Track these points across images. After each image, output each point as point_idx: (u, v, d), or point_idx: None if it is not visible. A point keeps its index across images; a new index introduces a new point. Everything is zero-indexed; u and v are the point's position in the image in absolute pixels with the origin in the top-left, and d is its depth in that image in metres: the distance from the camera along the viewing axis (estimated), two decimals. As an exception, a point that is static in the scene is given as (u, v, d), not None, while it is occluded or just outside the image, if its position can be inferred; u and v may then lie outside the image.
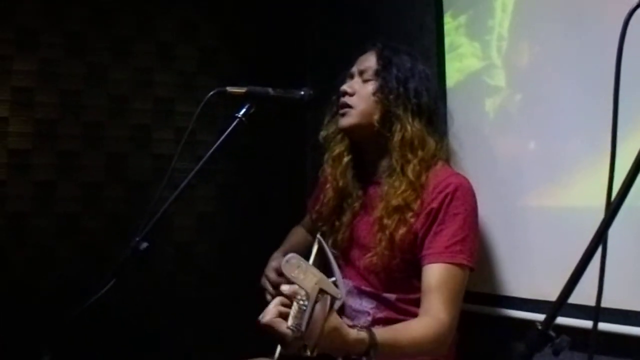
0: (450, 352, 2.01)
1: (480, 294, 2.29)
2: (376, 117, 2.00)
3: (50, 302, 2.57)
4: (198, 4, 3.08)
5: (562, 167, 2.08)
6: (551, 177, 2.11)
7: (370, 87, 2.04)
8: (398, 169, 1.96)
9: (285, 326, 1.43)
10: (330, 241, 2.11)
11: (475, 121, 2.36)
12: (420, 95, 2.03)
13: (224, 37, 3.15)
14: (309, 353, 1.41)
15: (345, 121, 2.05)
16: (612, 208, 1.01)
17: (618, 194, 1.02)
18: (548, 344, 1.02)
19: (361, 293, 2.04)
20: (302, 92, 2.00)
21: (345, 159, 2.14)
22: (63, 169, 2.79)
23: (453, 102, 2.41)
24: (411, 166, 1.95)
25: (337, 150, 2.17)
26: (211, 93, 1.88)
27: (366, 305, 2.03)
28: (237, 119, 1.89)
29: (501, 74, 2.28)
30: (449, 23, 2.52)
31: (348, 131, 2.07)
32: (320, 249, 1.73)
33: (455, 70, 2.48)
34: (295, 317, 1.41)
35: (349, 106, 2.05)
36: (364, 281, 2.03)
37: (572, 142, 2.05)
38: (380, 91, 2.01)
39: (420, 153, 1.96)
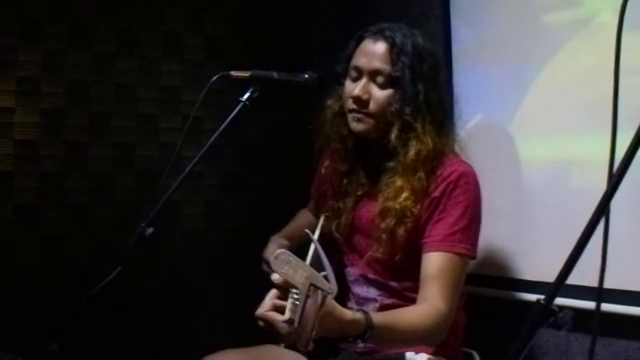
0: (457, 336, 2.04)
1: (487, 276, 2.32)
2: (395, 132, 1.94)
3: (59, 292, 2.59)
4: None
5: (566, 150, 2.11)
6: (556, 160, 2.14)
7: (387, 94, 1.97)
8: (405, 178, 1.94)
9: (281, 319, 1.47)
10: (334, 225, 2.12)
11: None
12: (439, 103, 1.99)
13: (230, 25, 3.15)
14: (302, 348, 1.42)
15: (361, 127, 2.00)
16: (615, 179, 1.02)
17: (619, 166, 1.02)
18: (551, 318, 1.03)
19: (367, 281, 2.06)
20: (306, 76, 2.02)
21: (349, 143, 2.11)
22: (70, 160, 2.81)
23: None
24: (418, 177, 1.93)
25: (341, 127, 2.11)
26: (215, 77, 1.92)
27: (373, 292, 2.05)
28: (241, 103, 1.91)
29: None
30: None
31: (361, 135, 2.03)
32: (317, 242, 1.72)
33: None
34: (291, 310, 1.45)
35: (365, 113, 1.98)
36: (369, 269, 2.05)
37: (576, 126, 2.08)
38: (400, 102, 1.95)
39: (429, 165, 1.94)
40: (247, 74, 1.93)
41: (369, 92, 1.97)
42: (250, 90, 1.92)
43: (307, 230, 1.73)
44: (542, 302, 1.04)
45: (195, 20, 3.09)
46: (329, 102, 2.12)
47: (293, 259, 1.40)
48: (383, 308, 1.98)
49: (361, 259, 2.06)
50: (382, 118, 1.96)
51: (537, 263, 2.20)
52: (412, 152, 1.93)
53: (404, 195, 1.92)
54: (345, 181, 2.14)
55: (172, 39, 3.03)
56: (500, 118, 2.38)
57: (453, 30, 2.58)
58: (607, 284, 1.17)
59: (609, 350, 2.00)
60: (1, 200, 2.69)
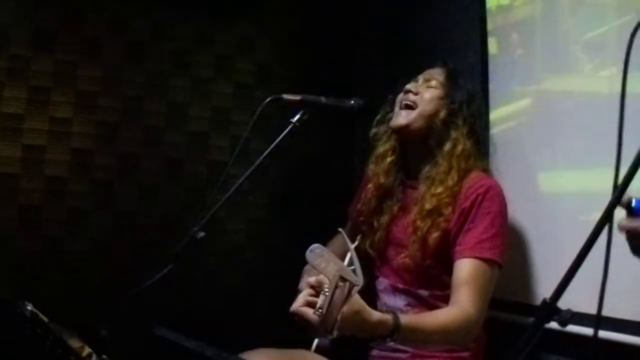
0: (477, 352, 2.18)
1: (511, 302, 2.45)
2: (441, 116, 2.21)
3: (109, 287, 2.76)
4: (254, 20, 3.29)
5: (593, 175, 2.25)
6: (585, 187, 2.28)
7: (435, 92, 2.25)
8: (440, 173, 2.15)
9: (312, 312, 1.63)
10: (368, 241, 2.32)
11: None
12: (476, 118, 2.25)
13: (278, 50, 3.36)
14: (331, 334, 1.59)
15: (402, 120, 2.24)
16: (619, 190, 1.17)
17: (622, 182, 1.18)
18: (554, 316, 1.19)
19: (395, 290, 2.23)
20: (352, 102, 2.22)
21: (389, 159, 2.35)
22: (123, 170, 3.03)
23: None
24: (452, 174, 2.13)
25: (381, 149, 2.38)
26: (268, 99, 2.11)
27: (400, 302, 2.22)
28: (292, 124, 2.10)
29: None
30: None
31: (404, 129, 2.25)
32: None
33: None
34: (321, 303, 1.61)
35: (411, 106, 2.24)
36: (398, 279, 2.23)
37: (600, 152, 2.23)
38: (447, 98, 2.23)
39: (463, 164, 2.15)
40: (298, 98, 2.13)
41: (418, 89, 2.28)
42: (300, 113, 2.11)
43: (340, 229, 1.92)
44: (547, 300, 1.21)
45: (246, 45, 3.30)
46: (379, 118, 2.39)
47: (326, 253, 1.59)
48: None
49: (391, 270, 2.24)
50: (429, 111, 2.24)
51: (565, 292, 2.33)
52: (447, 147, 2.19)
53: (439, 190, 2.14)
54: (382, 197, 2.35)
55: (223, 61, 3.25)
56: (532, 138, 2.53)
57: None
58: (606, 312, 1.29)
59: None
60: (54, 203, 2.91)
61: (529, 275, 2.46)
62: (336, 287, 1.55)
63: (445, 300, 2.09)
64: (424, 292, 2.19)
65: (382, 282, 2.28)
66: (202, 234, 1.98)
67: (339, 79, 3.28)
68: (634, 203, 1.26)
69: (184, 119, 3.16)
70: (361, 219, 2.40)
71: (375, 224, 2.32)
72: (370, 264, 2.33)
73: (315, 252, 1.59)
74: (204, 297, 3.05)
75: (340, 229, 1.97)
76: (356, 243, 2.14)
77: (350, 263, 1.63)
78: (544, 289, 2.39)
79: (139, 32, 3.09)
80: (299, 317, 1.68)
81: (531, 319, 2.32)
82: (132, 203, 3.05)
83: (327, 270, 1.57)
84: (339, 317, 1.56)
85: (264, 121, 2.60)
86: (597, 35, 2.25)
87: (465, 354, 2.12)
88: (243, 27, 3.29)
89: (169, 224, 3.06)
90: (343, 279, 1.56)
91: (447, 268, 2.11)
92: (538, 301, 2.37)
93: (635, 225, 1.27)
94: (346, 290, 1.56)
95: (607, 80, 2.21)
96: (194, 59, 3.19)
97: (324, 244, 2.60)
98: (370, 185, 2.39)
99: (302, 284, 2.38)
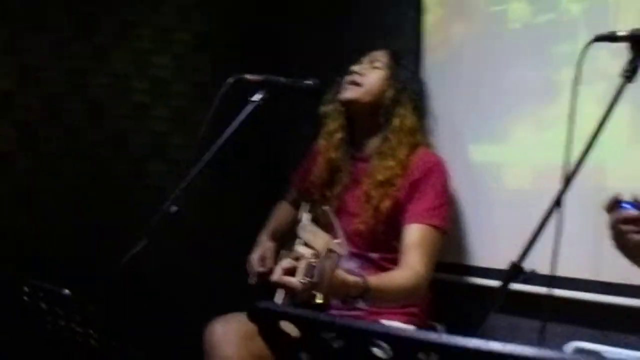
0: (424, 308, 2.45)
1: (450, 264, 2.71)
2: (388, 95, 2.44)
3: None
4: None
5: (523, 154, 2.53)
6: (514, 163, 2.56)
7: (380, 73, 2.48)
8: (390, 149, 2.38)
9: (296, 280, 1.80)
10: (322, 210, 2.52)
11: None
12: (419, 96, 2.51)
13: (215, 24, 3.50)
14: (318, 300, 1.79)
15: (350, 94, 2.47)
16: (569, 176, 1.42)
17: (574, 167, 1.43)
18: (520, 276, 1.44)
19: (349, 254, 2.45)
20: (310, 82, 2.39)
21: (339, 135, 2.56)
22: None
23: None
24: (402, 148, 2.37)
25: (331, 126, 2.59)
26: (231, 79, 2.23)
27: (353, 265, 2.43)
28: (254, 103, 2.24)
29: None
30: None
31: (350, 103, 2.48)
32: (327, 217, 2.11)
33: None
34: (304, 272, 1.79)
35: (357, 84, 2.47)
36: (351, 244, 2.43)
37: (531, 134, 2.50)
38: (392, 78, 2.46)
39: (411, 139, 2.39)
40: (261, 78, 2.27)
41: (363, 70, 2.51)
42: (262, 92, 2.25)
43: (325, 208, 2.17)
44: (514, 262, 1.45)
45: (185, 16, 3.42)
46: (327, 97, 2.59)
47: (314, 228, 1.80)
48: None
49: (345, 236, 2.46)
50: (374, 89, 2.47)
51: (495, 252, 2.61)
52: (395, 122, 2.43)
53: (391, 164, 2.38)
54: (332, 170, 2.57)
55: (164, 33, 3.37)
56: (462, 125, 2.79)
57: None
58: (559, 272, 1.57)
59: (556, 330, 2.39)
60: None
61: (462, 238, 2.73)
62: (326, 258, 1.74)
63: (393, 262, 2.35)
64: (374, 255, 2.43)
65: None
66: (175, 208, 2.11)
67: (276, 58, 3.45)
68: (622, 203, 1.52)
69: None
70: (312, 190, 2.61)
71: (328, 194, 2.54)
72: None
73: (306, 228, 1.78)
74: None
75: (325, 208, 2.17)
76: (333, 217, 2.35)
77: (334, 236, 1.83)
78: (477, 252, 2.68)
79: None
80: (282, 285, 1.88)
81: (467, 278, 2.65)
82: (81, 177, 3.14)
83: (316, 243, 1.76)
84: (326, 284, 1.76)
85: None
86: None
87: (415, 309, 2.38)
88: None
89: (116, 195, 3.18)
90: (330, 250, 1.75)
91: (396, 234, 2.36)
92: (471, 262, 2.68)
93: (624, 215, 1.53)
94: (334, 260, 1.76)
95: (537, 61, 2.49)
96: (135, 33, 3.28)
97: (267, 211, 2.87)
98: (320, 159, 2.59)
99: (254, 256, 2.65)
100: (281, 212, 2.87)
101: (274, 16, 3.58)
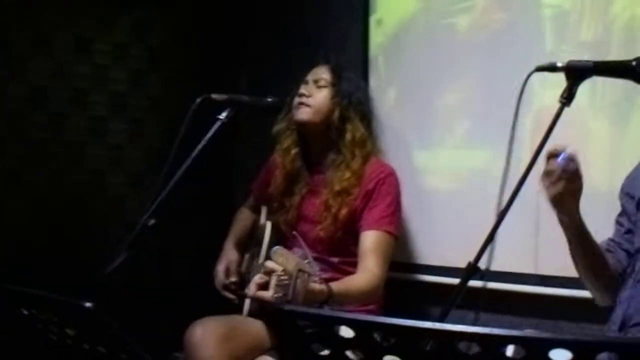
0: (380, 305, 2.68)
1: (400, 263, 2.94)
2: (336, 115, 2.65)
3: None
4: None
5: (464, 161, 2.79)
6: (456, 168, 2.83)
7: (326, 92, 2.69)
8: (345, 161, 2.61)
9: (269, 295, 2.02)
10: (281, 219, 2.75)
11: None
12: (364, 104, 2.71)
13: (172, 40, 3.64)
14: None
15: (302, 116, 2.68)
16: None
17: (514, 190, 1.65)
18: (477, 274, 1.65)
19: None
20: (270, 100, 2.58)
21: (294, 150, 2.77)
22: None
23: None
24: (356, 160, 2.59)
25: (286, 144, 2.79)
26: (199, 99, 2.40)
27: (315, 268, 2.65)
28: (220, 121, 2.41)
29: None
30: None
31: (303, 124, 2.69)
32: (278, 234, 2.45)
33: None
34: (276, 287, 2.01)
35: (306, 104, 2.67)
36: (312, 249, 2.64)
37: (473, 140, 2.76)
38: (337, 96, 2.67)
39: (363, 150, 2.62)
40: (225, 97, 2.44)
41: (310, 91, 2.71)
42: (227, 110, 2.42)
43: (294, 233, 2.38)
44: (471, 262, 1.66)
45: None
46: (280, 117, 2.78)
47: (285, 252, 2.03)
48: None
49: (305, 242, 2.65)
50: (322, 109, 2.68)
51: (440, 251, 2.85)
52: (348, 137, 2.65)
53: (347, 175, 2.60)
54: (290, 183, 2.78)
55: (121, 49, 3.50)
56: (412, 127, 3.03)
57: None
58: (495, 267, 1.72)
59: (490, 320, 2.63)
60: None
61: (410, 241, 2.98)
62: (297, 277, 1.96)
63: (351, 265, 2.59)
64: (334, 259, 2.66)
65: (298, 252, 2.69)
66: (152, 221, 2.26)
67: (226, 72, 3.62)
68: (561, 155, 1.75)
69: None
70: (272, 200, 2.84)
71: (287, 204, 2.75)
72: (283, 237, 2.74)
73: (277, 253, 2.01)
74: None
75: (294, 233, 2.40)
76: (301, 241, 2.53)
77: (305, 257, 2.08)
78: (421, 252, 2.93)
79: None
80: (258, 300, 2.12)
81: (415, 275, 2.89)
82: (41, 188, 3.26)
83: (288, 266, 1.97)
84: (300, 300, 1.97)
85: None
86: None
87: (372, 307, 2.61)
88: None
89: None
90: (302, 271, 1.97)
91: (354, 239, 2.60)
92: (418, 260, 2.91)
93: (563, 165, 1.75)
94: (305, 279, 1.99)
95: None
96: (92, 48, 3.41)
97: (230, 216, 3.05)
98: (277, 173, 2.82)
99: (219, 268, 2.86)
100: (242, 218, 3.07)
101: (226, 31, 3.74)
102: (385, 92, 3.08)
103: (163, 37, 3.61)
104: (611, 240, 2.03)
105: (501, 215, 1.65)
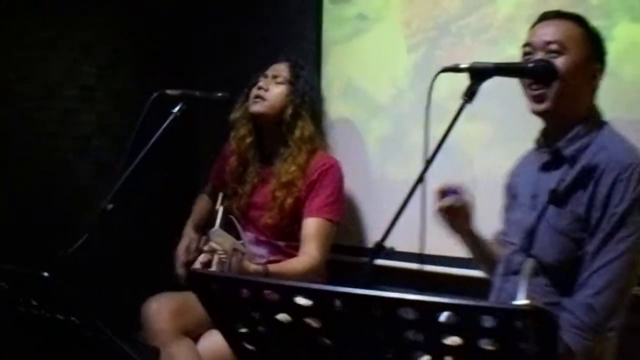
0: (323, 282, 2.88)
1: (347, 246, 3.19)
2: (289, 112, 2.87)
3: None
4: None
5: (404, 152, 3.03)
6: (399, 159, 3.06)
7: (282, 89, 2.90)
8: (292, 155, 2.84)
9: (211, 270, 2.29)
10: (234, 205, 2.98)
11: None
12: (316, 104, 2.94)
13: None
14: None
15: (257, 108, 2.90)
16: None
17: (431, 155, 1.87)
18: (383, 252, 1.84)
19: (259, 242, 2.92)
20: (221, 94, 2.80)
21: (249, 139, 3.00)
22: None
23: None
24: (302, 154, 2.83)
25: (241, 132, 3.01)
26: (154, 95, 2.60)
27: (263, 251, 2.91)
28: (173, 114, 2.62)
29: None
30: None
31: (257, 116, 2.91)
32: (227, 219, 2.69)
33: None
34: (217, 264, 2.31)
35: (262, 98, 2.89)
36: (261, 234, 2.91)
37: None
38: (293, 94, 2.88)
39: (310, 146, 2.86)
40: (179, 92, 2.65)
41: (267, 85, 2.92)
42: (180, 105, 2.63)
43: (230, 217, 2.66)
44: (378, 241, 1.82)
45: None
46: (237, 105, 3.01)
47: (223, 233, 2.31)
48: (270, 262, 2.78)
49: (255, 227, 2.93)
50: (276, 104, 2.89)
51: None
52: (297, 134, 2.87)
53: (293, 168, 2.83)
54: (243, 171, 3.02)
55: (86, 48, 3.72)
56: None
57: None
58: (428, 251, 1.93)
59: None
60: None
61: (357, 226, 3.22)
62: (232, 256, 2.21)
63: (296, 249, 2.83)
64: (281, 243, 2.90)
65: (248, 236, 2.93)
66: (110, 206, 2.46)
67: (180, 67, 3.89)
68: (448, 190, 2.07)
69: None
70: (226, 186, 3.06)
71: (240, 191, 2.98)
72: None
73: (216, 234, 2.27)
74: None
75: (230, 216, 2.75)
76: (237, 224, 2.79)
77: (238, 237, 2.37)
78: (369, 236, 3.18)
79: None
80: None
81: (360, 259, 3.12)
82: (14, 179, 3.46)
83: (224, 245, 2.23)
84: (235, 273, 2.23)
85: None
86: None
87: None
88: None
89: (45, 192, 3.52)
90: (236, 250, 2.22)
91: (299, 225, 2.84)
92: (363, 244, 3.16)
93: (449, 202, 2.10)
94: (239, 257, 2.25)
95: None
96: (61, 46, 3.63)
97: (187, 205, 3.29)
98: (232, 160, 3.03)
99: (180, 248, 3.05)
100: (201, 204, 3.31)
101: (186, 29, 4.02)
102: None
103: (127, 37, 3.85)
104: (501, 233, 2.28)
105: (403, 203, 1.84)
